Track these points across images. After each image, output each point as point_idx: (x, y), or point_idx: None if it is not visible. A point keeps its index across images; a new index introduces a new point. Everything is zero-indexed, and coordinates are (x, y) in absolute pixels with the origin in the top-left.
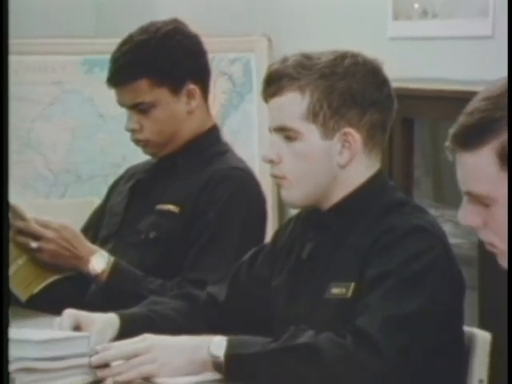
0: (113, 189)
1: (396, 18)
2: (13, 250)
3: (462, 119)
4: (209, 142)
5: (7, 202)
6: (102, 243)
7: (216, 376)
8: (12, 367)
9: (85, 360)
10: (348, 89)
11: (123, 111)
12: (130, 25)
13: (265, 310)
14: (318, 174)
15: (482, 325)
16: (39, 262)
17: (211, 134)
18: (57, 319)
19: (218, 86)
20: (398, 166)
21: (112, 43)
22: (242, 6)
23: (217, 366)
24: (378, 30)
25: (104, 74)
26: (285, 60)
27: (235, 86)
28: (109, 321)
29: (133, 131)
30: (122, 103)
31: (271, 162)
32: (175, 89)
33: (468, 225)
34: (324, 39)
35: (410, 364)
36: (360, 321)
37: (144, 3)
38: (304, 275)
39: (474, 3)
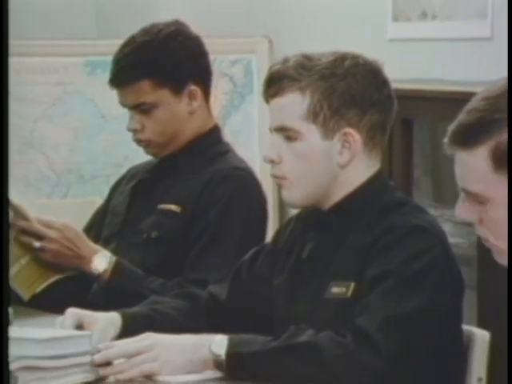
0: (115, 189)
1: (396, 19)
2: (16, 250)
3: (461, 117)
4: (210, 143)
5: (7, 202)
6: (104, 243)
7: (217, 374)
8: (15, 365)
9: (87, 358)
10: (348, 89)
11: (125, 112)
12: (132, 26)
13: (265, 309)
14: (318, 174)
15: (481, 324)
16: (42, 261)
17: (212, 135)
18: (59, 318)
19: (219, 87)
20: (397, 166)
21: (114, 45)
22: (242, 7)
23: (218, 364)
24: (377, 31)
25: (106, 75)
26: (286, 61)
27: (236, 86)
28: (111, 320)
29: (135, 131)
30: (123, 104)
31: (272, 161)
32: (177, 89)
33: (464, 220)
34: (324, 40)
35: (409, 363)
36: (360, 320)
37: (146, 5)
38: (304, 275)
39: (472, 5)
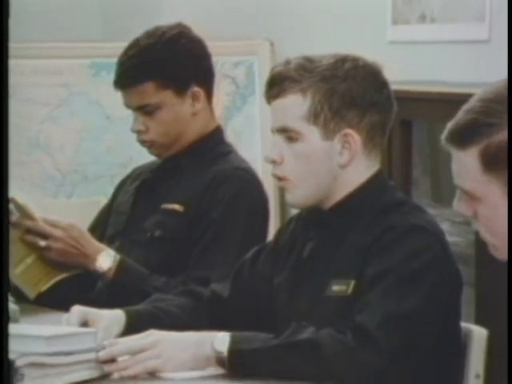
0: (119, 188)
1: (395, 22)
2: (22, 249)
3: (458, 116)
4: (213, 143)
5: (7, 202)
6: (109, 241)
7: (219, 371)
8: (21, 362)
9: (92, 355)
10: (348, 91)
11: (129, 113)
12: (136, 29)
13: (267, 307)
14: (319, 174)
15: (479, 321)
16: (47, 260)
17: (215, 135)
18: (65, 315)
19: (222, 89)
20: (396, 167)
21: (119, 47)
22: (245, 10)
23: (220, 361)
24: (377, 34)
25: (111, 77)
26: (287, 63)
27: (238, 88)
28: (115, 317)
29: (139, 132)
30: (128, 105)
31: (273, 162)
32: (180, 91)
33: (462, 214)
34: (325, 43)
35: (408, 360)
36: (360, 318)
37: (150, 8)
38: (305, 273)
39: (471, 8)
